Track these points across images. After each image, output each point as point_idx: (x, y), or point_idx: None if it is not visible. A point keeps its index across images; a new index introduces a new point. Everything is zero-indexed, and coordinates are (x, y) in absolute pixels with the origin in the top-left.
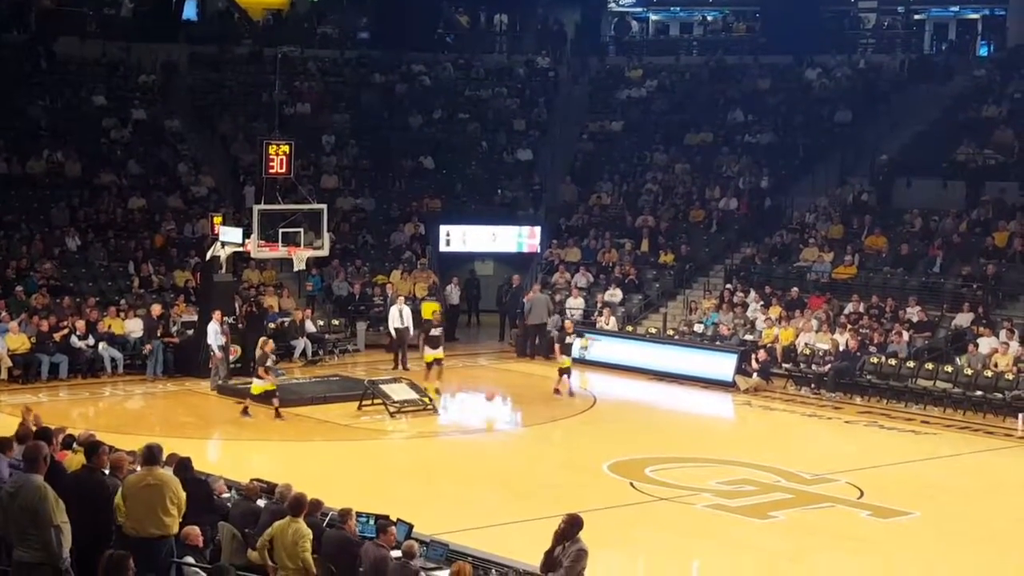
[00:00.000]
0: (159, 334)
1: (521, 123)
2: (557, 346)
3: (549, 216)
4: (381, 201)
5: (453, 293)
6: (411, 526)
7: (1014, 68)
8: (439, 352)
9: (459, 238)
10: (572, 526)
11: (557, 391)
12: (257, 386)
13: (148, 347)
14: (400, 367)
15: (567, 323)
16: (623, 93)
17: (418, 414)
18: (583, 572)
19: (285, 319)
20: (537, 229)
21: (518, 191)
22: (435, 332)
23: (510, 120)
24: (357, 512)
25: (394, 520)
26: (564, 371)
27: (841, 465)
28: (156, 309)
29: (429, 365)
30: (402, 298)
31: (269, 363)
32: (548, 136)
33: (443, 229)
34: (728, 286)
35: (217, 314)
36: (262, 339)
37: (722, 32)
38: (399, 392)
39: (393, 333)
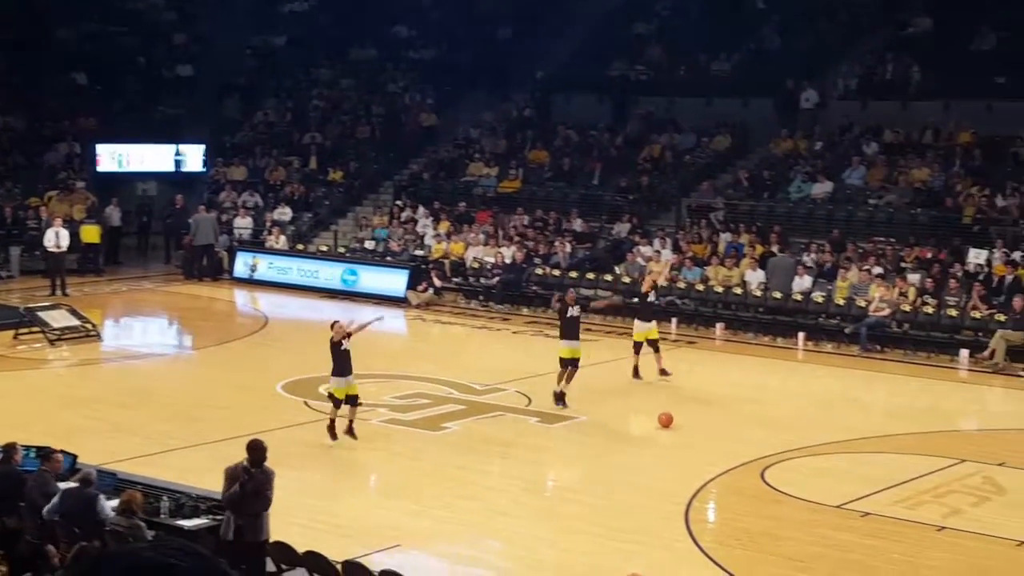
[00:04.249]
0: None
1: (181, 37)
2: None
3: (213, 134)
4: (32, 119)
5: (113, 215)
6: (75, 456)
7: None
8: (575, 346)
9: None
10: (257, 452)
11: (636, 370)
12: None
13: None
14: (59, 292)
15: None
16: (286, 7)
17: (80, 341)
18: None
19: None
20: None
21: (179, 108)
22: (573, 312)
23: (169, 34)
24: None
25: (57, 450)
26: (646, 343)
27: (510, 375)
28: None
29: (564, 364)
30: (59, 220)
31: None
32: (210, 51)
33: (100, 148)
34: (398, 202)
35: None
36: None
37: None
38: (59, 319)
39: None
